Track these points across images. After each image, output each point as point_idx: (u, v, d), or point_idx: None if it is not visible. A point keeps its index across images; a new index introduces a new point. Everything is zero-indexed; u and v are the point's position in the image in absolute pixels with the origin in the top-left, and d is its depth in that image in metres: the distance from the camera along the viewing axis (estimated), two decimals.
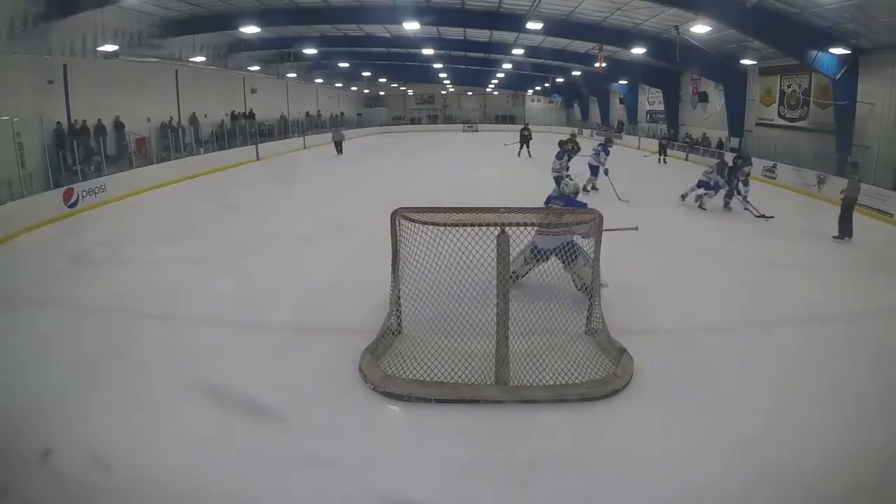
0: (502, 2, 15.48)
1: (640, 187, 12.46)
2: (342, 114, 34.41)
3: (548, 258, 4.92)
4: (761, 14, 11.54)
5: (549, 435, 3.28)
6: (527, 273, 5.26)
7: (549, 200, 5.80)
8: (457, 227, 3.84)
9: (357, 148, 24.80)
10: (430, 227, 3.88)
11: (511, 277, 4.83)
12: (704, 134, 20.40)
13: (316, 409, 3.51)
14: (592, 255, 4.37)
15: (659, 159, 18.94)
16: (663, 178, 15.47)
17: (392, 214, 4.19)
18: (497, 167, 17.13)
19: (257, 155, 19.47)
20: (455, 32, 21.10)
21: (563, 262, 4.87)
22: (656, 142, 20.40)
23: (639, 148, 24.09)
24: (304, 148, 23.48)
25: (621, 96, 28.25)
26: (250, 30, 16.24)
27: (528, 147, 19.09)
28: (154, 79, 16.39)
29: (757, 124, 17.33)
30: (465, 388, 3.65)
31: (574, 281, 5.12)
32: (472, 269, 3.99)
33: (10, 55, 10.84)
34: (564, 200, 5.58)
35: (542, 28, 15.86)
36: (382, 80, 33.76)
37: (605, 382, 3.71)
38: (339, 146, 21.45)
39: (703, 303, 5.46)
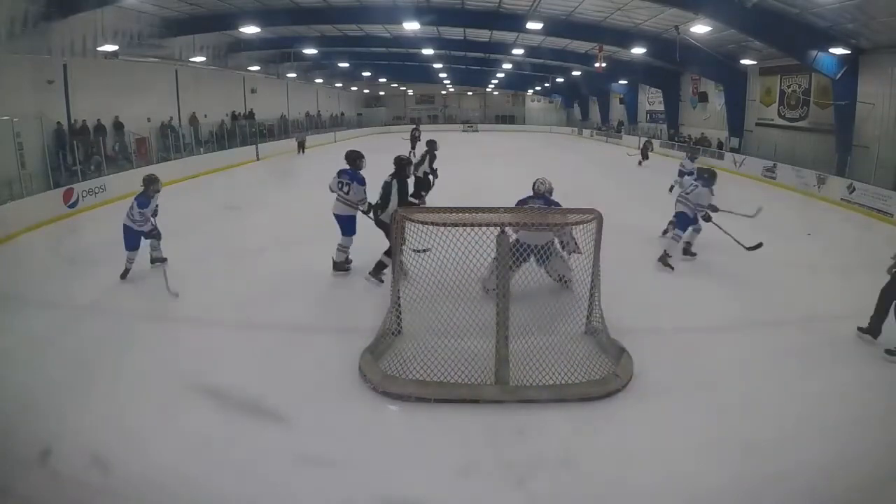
0: (502, 2, 15.48)
1: (641, 188, 12.47)
2: (342, 114, 34.43)
3: (528, 258, 4.64)
4: (761, 14, 11.54)
5: (549, 435, 3.28)
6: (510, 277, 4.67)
7: (523, 202, 5.39)
8: (457, 227, 3.84)
9: (357, 148, 24.77)
10: (430, 227, 3.88)
11: (486, 291, 4.78)
12: (703, 133, 20.42)
13: (316, 408, 3.51)
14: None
15: (639, 161, 17.83)
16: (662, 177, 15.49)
17: (392, 214, 4.20)
18: (497, 167, 17.13)
19: (257, 155, 19.47)
20: (455, 32, 21.09)
21: (539, 260, 4.74)
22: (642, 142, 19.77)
23: (639, 148, 24.11)
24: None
25: (621, 96, 28.25)
26: (250, 30, 16.24)
27: (414, 148, 17.91)
28: (154, 79, 16.37)
29: (757, 124, 17.34)
30: (464, 388, 3.65)
31: (549, 274, 5.02)
32: (472, 269, 3.99)
33: (10, 55, 10.84)
34: (543, 200, 5.36)
35: (542, 28, 15.86)
36: (382, 80, 33.78)
37: (605, 382, 3.71)
38: (301, 146, 21.69)
39: (703, 303, 5.46)
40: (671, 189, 10.29)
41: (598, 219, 4.13)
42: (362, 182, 5.93)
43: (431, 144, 9.07)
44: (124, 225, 5.94)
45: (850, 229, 9.59)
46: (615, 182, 14.52)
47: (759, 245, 6.43)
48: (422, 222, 3.99)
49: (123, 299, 5.48)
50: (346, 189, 5.92)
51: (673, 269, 6.39)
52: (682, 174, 9.63)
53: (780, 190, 13.51)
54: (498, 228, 3.74)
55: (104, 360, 4.14)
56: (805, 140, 14.80)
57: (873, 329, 4.47)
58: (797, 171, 13.63)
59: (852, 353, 4.33)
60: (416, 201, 7.46)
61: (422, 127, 23.02)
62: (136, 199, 5.92)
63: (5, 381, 3.85)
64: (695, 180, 6.91)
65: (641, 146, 19.01)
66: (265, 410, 3.48)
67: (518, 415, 3.44)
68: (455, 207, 4.06)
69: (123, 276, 6.00)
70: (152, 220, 6.04)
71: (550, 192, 5.51)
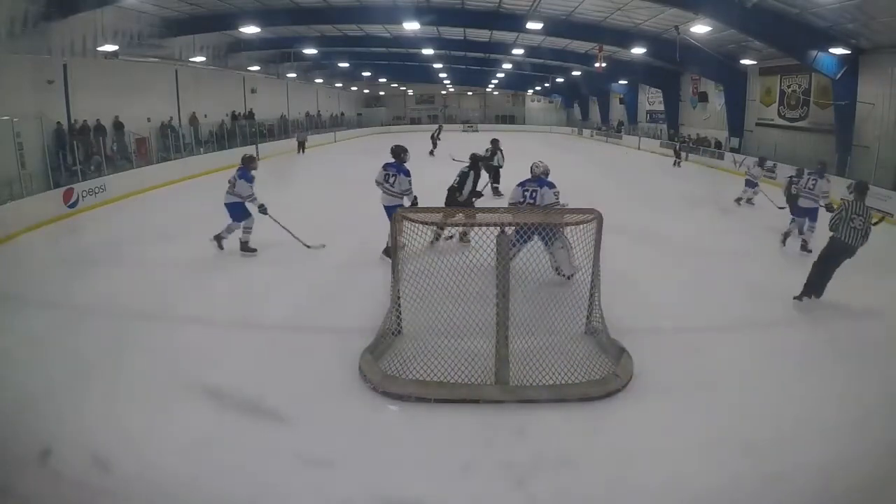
0: (502, 2, 15.48)
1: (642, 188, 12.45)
2: (342, 114, 34.43)
3: (531, 237, 4.67)
4: (761, 14, 11.55)
5: (549, 435, 3.28)
6: (514, 256, 4.68)
7: (522, 184, 5.72)
8: (456, 227, 3.84)
9: (357, 148, 24.78)
10: (430, 227, 3.88)
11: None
12: (698, 134, 20.43)
13: (316, 409, 3.51)
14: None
15: (675, 162, 18.32)
16: (662, 177, 15.52)
17: (394, 215, 4.20)
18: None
19: (257, 155, 19.42)
20: (455, 32, 21.09)
21: (544, 241, 4.86)
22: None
23: (639, 148, 24.16)
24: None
25: (621, 96, 28.26)
26: (250, 30, 16.24)
27: (434, 146, 19.11)
28: (154, 79, 16.38)
29: (757, 124, 17.34)
30: (464, 387, 3.65)
31: (551, 262, 5.29)
32: (471, 269, 3.99)
33: (10, 55, 10.85)
34: (539, 182, 5.66)
35: (542, 28, 15.87)
36: (382, 80, 33.79)
37: (605, 382, 3.70)
38: (301, 146, 21.74)
39: (703, 302, 5.46)
40: (749, 201, 10.21)
41: (598, 219, 4.13)
42: (408, 174, 6.24)
43: (496, 143, 10.52)
44: (228, 203, 6.61)
45: None
46: (615, 182, 14.52)
47: (882, 218, 6.86)
48: (423, 222, 3.99)
49: (123, 299, 5.48)
50: (391, 180, 6.23)
51: (811, 251, 6.79)
52: (751, 184, 10.38)
53: (779, 189, 13.47)
54: (498, 228, 3.74)
55: (104, 360, 4.14)
56: (805, 140, 14.81)
57: (816, 290, 4.98)
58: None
59: (852, 353, 4.33)
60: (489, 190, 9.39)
61: (422, 126, 23.06)
62: (239, 175, 6.55)
63: (5, 381, 3.84)
64: (812, 174, 7.39)
65: (677, 147, 19.25)
66: (265, 410, 3.48)
67: (518, 415, 3.43)
68: (456, 208, 4.05)
69: (220, 244, 6.82)
70: (257, 198, 6.55)
71: (546, 173, 5.80)
